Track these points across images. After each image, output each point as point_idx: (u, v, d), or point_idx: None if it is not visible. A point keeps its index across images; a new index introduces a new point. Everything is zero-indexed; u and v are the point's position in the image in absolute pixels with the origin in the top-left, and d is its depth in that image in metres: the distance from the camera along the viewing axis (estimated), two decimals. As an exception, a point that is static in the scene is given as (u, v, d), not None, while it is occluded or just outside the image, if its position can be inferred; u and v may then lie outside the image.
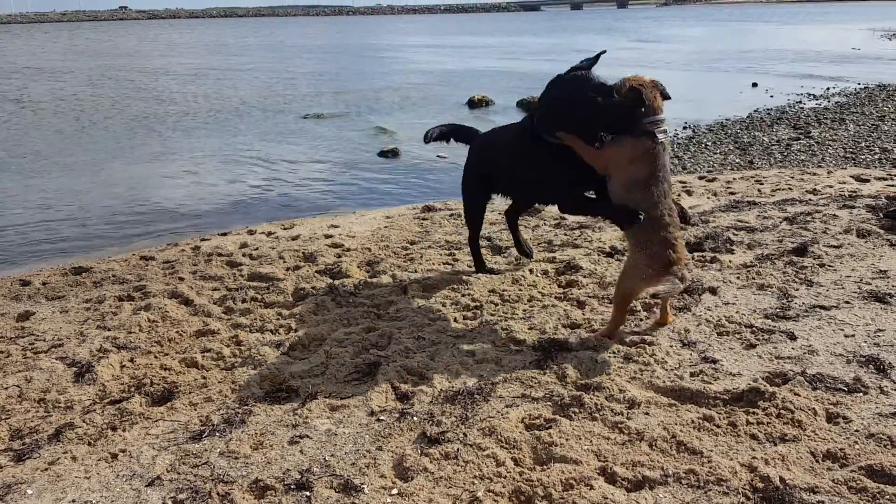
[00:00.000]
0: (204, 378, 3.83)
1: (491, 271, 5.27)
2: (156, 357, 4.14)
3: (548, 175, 4.26)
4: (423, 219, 7.28)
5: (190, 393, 3.68)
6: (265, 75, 28.22)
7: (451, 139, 5.33)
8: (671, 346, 3.89)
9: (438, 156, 11.90)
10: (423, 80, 25.40)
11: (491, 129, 5.18)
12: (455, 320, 4.43)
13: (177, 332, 4.47)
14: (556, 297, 4.74)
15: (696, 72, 25.63)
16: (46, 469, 3.07)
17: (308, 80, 26.23)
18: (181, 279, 5.56)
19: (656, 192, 3.74)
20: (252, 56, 41.32)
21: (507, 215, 5.44)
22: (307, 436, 3.19)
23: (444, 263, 5.60)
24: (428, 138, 5.22)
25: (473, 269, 5.34)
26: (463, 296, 4.81)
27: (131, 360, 4.10)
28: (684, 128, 13.60)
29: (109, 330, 4.58)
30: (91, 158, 12.36)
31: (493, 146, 4.89)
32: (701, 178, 8.90)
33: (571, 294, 4.75)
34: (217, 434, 3.24)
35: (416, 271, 5.42)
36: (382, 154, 12.24)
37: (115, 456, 3.14)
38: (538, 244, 5.94)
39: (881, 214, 6.09)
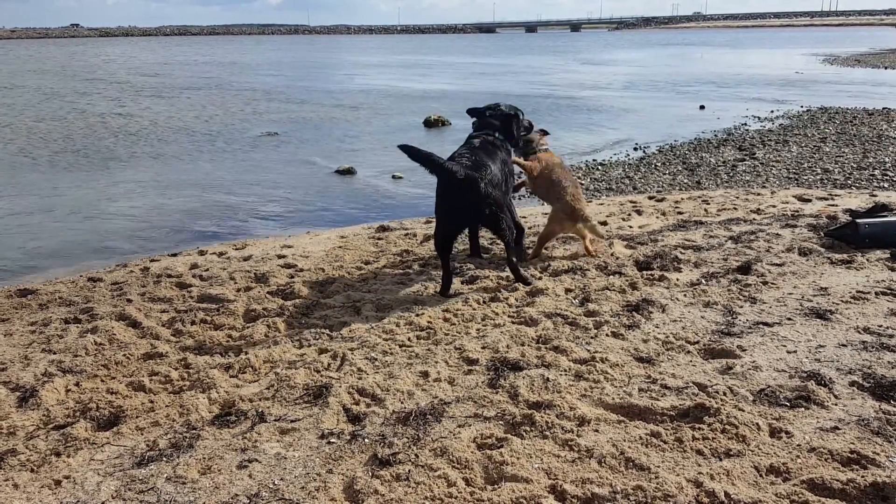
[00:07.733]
0: (151, 402, 3.76)
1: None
2: (102, 381, 4.05)
3: None
4: (378, 238, 7.28)
5: (137, 417, 3.61)
6: (219, 94, 27.97)
7: None
8: (621, 363, 3.95)
9: (394, 176, 11.93)
10: (379, 99, 25.47)
11: None
12: (409, 340, 4.43)
13: (124, 355, 4.39)
14: (508, 316, 4.78)
15: (645, 94, 26.18)
16: (-15, 498, 2.98)
17: (262, 98, 26.08)
18: (129, 301, 5.46)
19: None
20: (204, 74, 40.94)
21: None
22: (256, 460, 3.15)
23: (398, 283, 5.60)
24: None
25: (427, 288, 5.35)
26: (417, 315, 4.82)
27: (77, 384, 4.00)
28: (635, 149, 13.89)
29: (55, 353, 4.47)
30: (36, 179, 12.09)
31: None
32: (651, 197, 9.09)
33: (524, 313, 4.80)
34: (164, 459, 3.18)
35: (369, 291, 5.41)
36: (338, 173, 12.22)
37: (58, 483, 3.06)
38: (494, 263, 6.00)
39: (822, 233, 6.29)
